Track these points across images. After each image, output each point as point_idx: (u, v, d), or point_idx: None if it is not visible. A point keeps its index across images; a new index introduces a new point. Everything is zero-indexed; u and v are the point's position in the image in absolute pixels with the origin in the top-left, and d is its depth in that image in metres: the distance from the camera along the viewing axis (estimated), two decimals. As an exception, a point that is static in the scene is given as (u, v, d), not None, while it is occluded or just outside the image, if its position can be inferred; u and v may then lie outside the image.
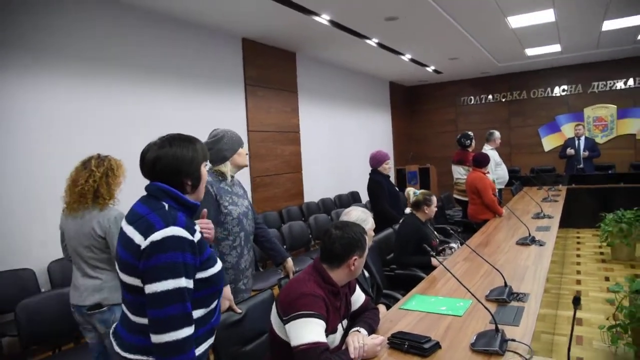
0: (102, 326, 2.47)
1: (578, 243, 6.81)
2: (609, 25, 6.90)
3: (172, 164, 1.55)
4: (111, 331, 1.66)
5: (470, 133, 6.44)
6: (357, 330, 1.89)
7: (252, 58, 6.33)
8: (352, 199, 8.41)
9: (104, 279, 2.50)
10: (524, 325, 2.08)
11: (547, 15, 6.19)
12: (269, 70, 6.67)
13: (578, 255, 6.13)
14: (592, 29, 7.14)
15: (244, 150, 2.68)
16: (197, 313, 1.53)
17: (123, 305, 1.59)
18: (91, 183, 2.47)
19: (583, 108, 10.24)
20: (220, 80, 5.86)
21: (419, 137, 12.20)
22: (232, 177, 2.66)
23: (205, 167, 1.70)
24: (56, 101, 4.09)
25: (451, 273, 2.23)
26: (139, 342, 1.49)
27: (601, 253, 6.09)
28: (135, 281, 1.48)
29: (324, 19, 5.55)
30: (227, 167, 2.60)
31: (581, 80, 10.24)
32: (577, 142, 8.10)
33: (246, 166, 2.71)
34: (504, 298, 2.39)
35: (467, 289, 2.10)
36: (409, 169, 9.69)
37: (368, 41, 6.80)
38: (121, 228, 1.56)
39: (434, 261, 3.45)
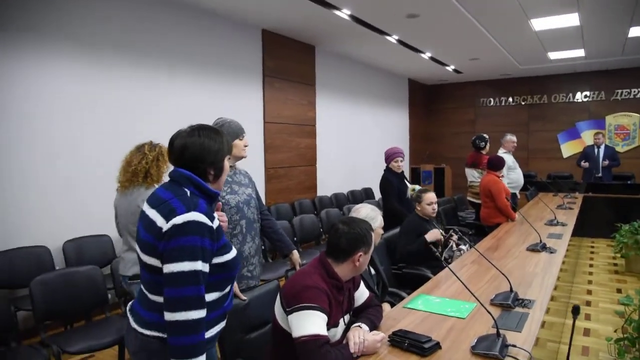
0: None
1: (592, 253, 6.73)
2: (636, 31, 6.77)
3: (198, 153, 1.62)
4: (128, 308, 1.73)
5: (486, 135, 6.38)
6: (359, 326, 1.90)
7: (271, 49, 6.35)
8: (365, 195, 8.41)
9: None
10: (526, 332, 2.08)
11: (571, 20, 6.09)
12: (288, 62, 6.68)
13: (591, 265, 6.06)
14: (618, 35, 7.00)
15: (243, 142, 2.64)
16: (212, 296, 1.61)
17: (141, 284, 1.66)
18: (143, 164, 2.78)
19: (605, 115, 10.07)
20: (238, 70, 5.89)
21: (435, 137, 12.12)
22: (232, 167, 2.66)
23: (229, 161, 1.75)
24: (75, 85, 4.17)
25: (451, 271, 2.23)
26: (155, 319, 1.57)
27: (615, 264, 6.01)
28: (154, 261, 1.56)
29: (344, 13, 5.54)
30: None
31: (604, 87, 10.06)
32: (596, 151, 7.99)
33: (243, 157, 2.65)
34: (509, 303, 2.38)
35: (469, 290, 2.10)
36: (423, 168, 9.65)
37: (388, 37, 6.77)
38: (143, 211, 1.62)
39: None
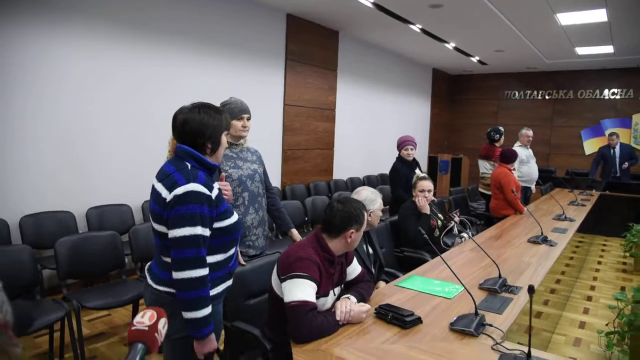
0: None
1: (602, 251, 6.74)
2: (666, 30, 6.65)
3: (197, 127, 1.80)
4: (147, 268, 1.95)
5: (501, 128, 6.41)
6: (347, 297, 2.07)
7: (295, 34, 6.46)
8: (382, 180, 8.51)
9: None
10: (506, 315, 2.21)
11: (599, 15, 6.02)
12: (311, 46, 6.79)
13: (599, 263, 6.08)
14: (647, 32, 6.89)
15: (242, 122, 2.74)
16: (216, 257, 1.83)
17: (156, 248, 1.88)
18: None
19: (632, 114, 9.91)
20: (261, 53, 6.04)
21: (456, 127, 12.10)
22: (238, 144, 2.80)
23: (227, 137, 1.93)
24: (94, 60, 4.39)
25: (442, 258, 2.37)
26: (166, 277, 1.78)
27: (624, 263, 6.03)
28: (162, 228, 1.77)
29: (367, 0, 5.61)
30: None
31: (633, 84, 9.87)
32: (611, 152, 7.92)
33: (242, 137, 2.78)
34: (495, 288, 2.51)
35: (454, 273, 2.24)
36: (441, 158, 9.68)
37: (411, 26, 6.80)
38: (152, 185, 1.82)
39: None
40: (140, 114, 4.68)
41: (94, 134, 4.37)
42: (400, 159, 4.80)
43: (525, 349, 1.76)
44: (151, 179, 1.85)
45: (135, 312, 3.34)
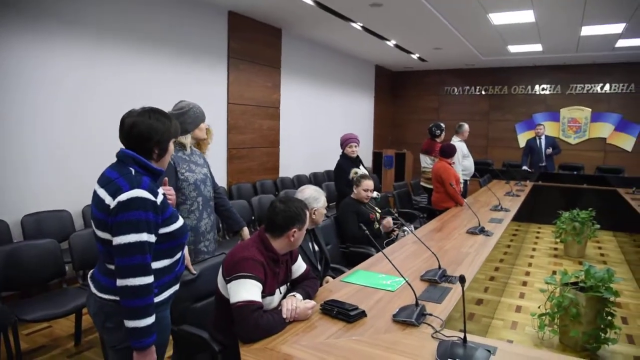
0: None
1: (537, 238, 7.15)
2: (587, 30, 7.12)
3: (146, 132, 1.78)
4: (89, 275, 1.90)
5: (442, 125, 6.67)
6: (293, 295, 2.11)
7: (237, 32, 6.41)
8: (327, 177, 8.60)
9: None
10: (445, 304, 2.32)
11: (527, 16, 6.37)
12: (254, 44, 6.76)
13: (534, 249, 6.45)
14: (571, 32, 7.34)
15: (205, 125, 2.89)
16: (162, 263, 1.81)
17: (100, 255, 1.83)
18: None
19: (560, 108, 10.54)
20: (203, 52, 5.95)
21: (399, 123, 12.41)
22: (191, 147, 2.85)
23: (173, 144, 1.92)
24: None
25: (384, 254, 2.46)
26: (111, 284, 1.74)
27: (555, 249, 6.42)
28: (106, 235, 1.73)
29: (309, -1, 5.66)
30: (187, 139, 2.80)
31: (560, 81, 10.51)
32: (538, 142, 8.44)
33: (204, 139, 2.90)
34: (435, 279, 2.63)
35: (396, 268, 2.33)
36: (385, 153, 9.91)
37: (353, 24, 6.92)
38: (95, 191, 1.78)
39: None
40: (76, 116, 4.49)
41: (23, 135, 4.16)
42: (344, 156, 4.90)
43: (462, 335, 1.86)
44: (92, 183, 1.80)
45: (78, 322, 3.23)
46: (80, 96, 4.51)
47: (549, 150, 8.33)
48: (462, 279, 1.81)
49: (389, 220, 4.09)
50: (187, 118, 2.75)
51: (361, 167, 4.93)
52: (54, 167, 4.35)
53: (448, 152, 5.52)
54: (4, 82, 3.96)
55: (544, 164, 8.38)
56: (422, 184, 6.73)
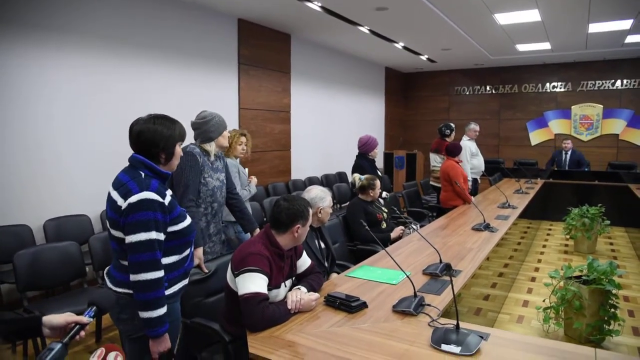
0: (223, 235, 3.43)
1: (548, 235, 7.16)
2: (595, 28, 7.13)
3: (151, 138, 1.93)
4: (105, 272, 2.07)
5: (452, 124, 6.75)
6: (298, 288, 2.24)
7: (247, 38, 6.58)
8: (339, 178, 8.73)
9: None
10: (444, 295, 2.43)
11: (532, 15, 6.42)
12: (263, 50, 6.92)
13: (544, 246, 6.49)
14: (578, 30, 7.36)
15: (227, 132, 3.13)
16: (172, 259, 1.97)
17: (113, 252, 2.00)
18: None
19: (571, 106, 10.51)
20: (215, 59, 6.13)
21: (410, 124, 12.48)
22: (215, 154, 3.05)
23: (180, 146, 2.06)
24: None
25: (386, 251, 2.57)
26: (125, 279, 1.91)
27: (566, 245, 6.45)
28: (119, 234, 1.89)
29: (315, 4, 5.79)
30: (212, 147, 3.03)
31: (571, 78, 10.49)
32: (563, 155, 8.48)
33: (227, 147, 3.22)
34: (437, 273, 2.73)
35: (396, 263, 2.45)
36: (396, 154, 10.00)
37: (360, 28, 7.04)
38: (109, 193, 1.94)
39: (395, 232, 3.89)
40: (91, 123, 4.68)
41: (45, 145, 4.36)
42: (363, 156, 5.07)
43: (461, 325, 1.96)
44: (109, 187, 1.95)
45: (98, 320, 3.41)
46: (99, 105, 4.71)
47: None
48: (448, 267, 1.92)
49: (396, 230, 4.21)
50: (210, 127, 2.96)
51: (377, 170, 5.11)
52: (75, 173, 4.55)
53: (452, 150, 5.61)
54: (23, 91, 4.17)
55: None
56: (431, 183, 6.81)
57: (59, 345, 1.18)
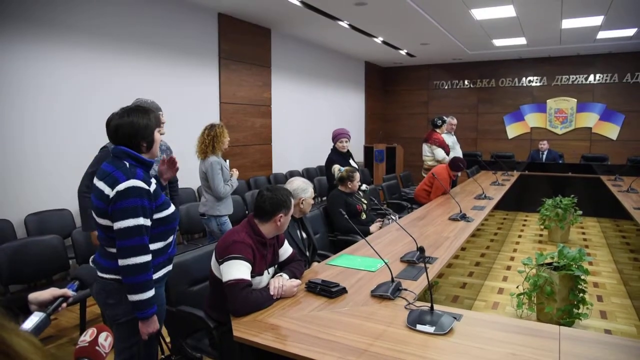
0: (207, 227, 4.18)
1: (523, 225, 7.38)
2: (568, 23, 7.34)
3: (130, 130, 2.00)
4: (91, 260, 2.15)
5: (446, 117, 6.94)
6: (280, 275, 2.32)
7: (227, 33, 6.60)
8: (320, 172, 8.81)
9: (207, 198, 4.06)
10: (420, 281, 2.54)
11: (508, 11, 6.58)
12: (244, 45, 6.95)
13: (519, 236, 6.68)
14: (552, 25, 7.55)
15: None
16: (157, 245, 2.04)
17: (100, 240, 2.06)
18: (206, 142, 4.01)
19: (546, 99, 10.77)
20: (195, 53, 6.14)
21: (390, 117, 12.62)
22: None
23: (159, 133, 2.11)
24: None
25: (366, 241, 2.67)
26: (111, 265, 1.98)
27: (540, 235, 6.65)
28: (106, 222, 1.96)
29: None
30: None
31: (546, 72, 10.74)
32: (540, 155, 8.75)
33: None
34: (414, 260, 2.85)
35: (375, 250, 2.55)
36: (376, 148, 10.12)
37: (340, 22, 7.11)
38: (94, 184, 2.00)
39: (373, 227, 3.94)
40: (70, 117, 4.67)
41: (25, 140, 4.34)
42: (335, 150, 5.09)
43: (436, 307, 2.07)
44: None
45: (83, 311, 3.44)
46: (78, 99, 4.70)
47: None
48: (421, 250, 2.02)
49: (375, 225, 4.29)
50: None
51: (352, 161, 5.13)
52: (55, 168, 4.54)
53: (452, 165, 5.73)
54: (5, 86, 4.15)
55: None
56: (423, 173, 6.93)
57: (43, 315, 1.22)
